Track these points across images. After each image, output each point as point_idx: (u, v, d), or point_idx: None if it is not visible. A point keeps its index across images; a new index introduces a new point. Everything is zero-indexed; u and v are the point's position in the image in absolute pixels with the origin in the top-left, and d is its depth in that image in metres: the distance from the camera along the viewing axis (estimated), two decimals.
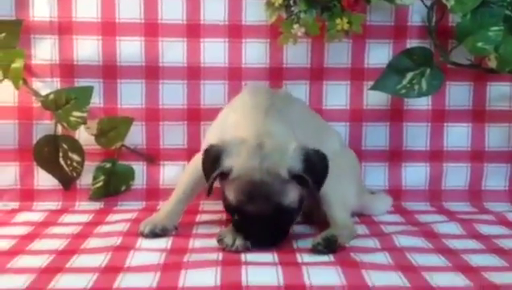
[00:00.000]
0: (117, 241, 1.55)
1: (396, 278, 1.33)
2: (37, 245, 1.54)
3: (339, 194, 1.65)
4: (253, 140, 1.49)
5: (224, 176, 1.49)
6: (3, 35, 1.79)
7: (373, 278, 1.32)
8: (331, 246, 1.49)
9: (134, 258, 1.43)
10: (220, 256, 1.45)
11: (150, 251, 1.48)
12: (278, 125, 1.55)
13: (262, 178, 1.46)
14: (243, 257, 1.44)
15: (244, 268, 1.36)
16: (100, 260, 1.41)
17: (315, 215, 1.70)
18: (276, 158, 1.48)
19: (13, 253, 1.47)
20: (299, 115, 1.70)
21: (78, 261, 1.42)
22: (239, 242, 1.47)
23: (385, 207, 1.88)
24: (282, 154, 1.48)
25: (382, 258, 1.45)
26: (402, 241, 1.58)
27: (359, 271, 1.35)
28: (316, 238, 1.52)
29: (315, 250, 1.48)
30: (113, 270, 1.35)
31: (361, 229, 1.70)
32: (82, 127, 1.87)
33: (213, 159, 1.51)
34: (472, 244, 1.59)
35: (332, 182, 1.56)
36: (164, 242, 1.56)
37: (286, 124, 1.57)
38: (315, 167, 1.49)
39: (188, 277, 1.32)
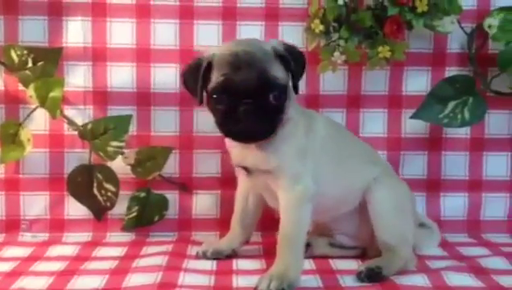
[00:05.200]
0: (157, 277, 1.49)
1: None
2: (77, 283, 1.48)
3: (397, 228, 1.61)
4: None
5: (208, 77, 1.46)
6: (41, 63, 1.75)
7: None
8: (373, 277, 1.51)
9: None
10: None
11: (194, 289, 1.43)
12: None
13: (245, 49, 1.44)
14: None
15: None
16: None
17: (369, 251, 1.67)
18: (259, 42, 1.52)
19: None
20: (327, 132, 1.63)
21: None
22: (274, 284, 1.41)
23: (434, 243, 1.82)
24: (264, 42, 1.53)
25: None
26: (453, 279, 1.52)
27: None
28: (362, 265, 1.55)
29: (357, 276, 1.52)
30: None
31: None
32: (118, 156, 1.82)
33: (195, 66, 1.48)
34: None
35: (391, 214, 1.60)
36: (207, 280, 1.51)
37: None
38: (296, 57, 1.49)
39: None
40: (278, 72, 1.45)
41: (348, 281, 1.51)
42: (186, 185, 1.92)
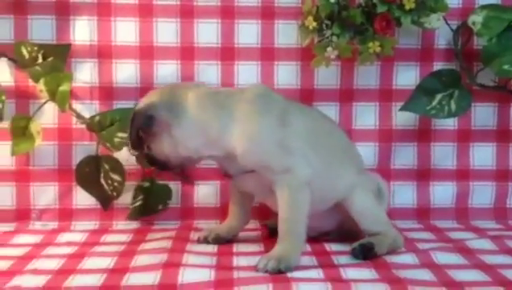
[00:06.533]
0: (163, 257, 1.58)
1: None
2: (87, 263, 1.57)
3: (369, 212, 1.72)
4: None
5: None
6: (51, 58, 1.85)
7: None
8: (366, 253, 1.62)
9: (186, 275, 1.46)
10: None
11: (199, 267, 1.52)
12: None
13: None
14: (289, 274, 1.49)
15: (295, 285, 1.40)
16: (152, 278, 1.44)
17: (354, 232, 1.76)
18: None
19: (66, 272, 1.50)
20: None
21: (132, 279, 1.45)
22: (271, 264, 1.50)
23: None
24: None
25: (425, 274, 1.50)
26: (440, 257, 1.62)
27: (406, 287, 1.40)
28: (355, 243, 1.65)
29: (352, 253, 1.63)
30: (167, 288, 1.39)
31: None
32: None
33: None
34: (506, 259, 1.63)
35: (362, 203, 1.71)
36: (209, 260, 1.60)
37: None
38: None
39: None
40: None
41: (342, 260, 1.61)
42: (188, 176, 2.01)
